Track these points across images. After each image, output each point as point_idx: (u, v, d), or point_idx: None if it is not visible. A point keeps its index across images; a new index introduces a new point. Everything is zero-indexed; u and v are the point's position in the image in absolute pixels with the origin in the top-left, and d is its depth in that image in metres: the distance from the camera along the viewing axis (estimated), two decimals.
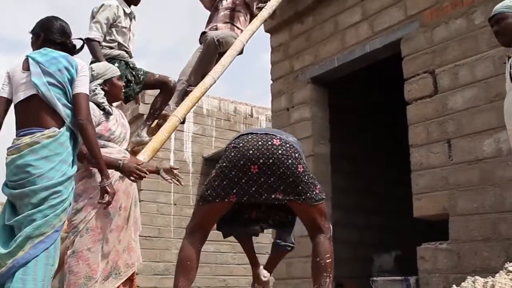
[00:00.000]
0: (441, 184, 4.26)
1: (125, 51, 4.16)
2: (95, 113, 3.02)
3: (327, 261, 2.51)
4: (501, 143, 3.88)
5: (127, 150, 3.33)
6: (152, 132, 4.30)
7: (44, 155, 2.54)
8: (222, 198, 2.53)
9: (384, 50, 5.09)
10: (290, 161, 2.51)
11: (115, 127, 3.16)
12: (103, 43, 4.04)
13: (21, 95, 2.67)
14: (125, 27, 4.16)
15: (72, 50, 2.91)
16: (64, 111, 2.66)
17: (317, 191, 2.56)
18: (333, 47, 5.59)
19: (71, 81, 2.71)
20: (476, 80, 4.14)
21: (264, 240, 7.44)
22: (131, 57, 4.21)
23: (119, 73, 3.36)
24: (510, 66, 2.95)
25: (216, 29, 5.06)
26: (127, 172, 3.05)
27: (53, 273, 2.54)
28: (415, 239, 4.59)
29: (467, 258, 3.98)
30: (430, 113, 4.44)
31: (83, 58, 2.95)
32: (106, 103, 3.16)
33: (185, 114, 4.28)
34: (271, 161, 2.49)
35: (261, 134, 2.59)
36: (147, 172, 3.13)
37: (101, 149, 2.87)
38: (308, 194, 2.52)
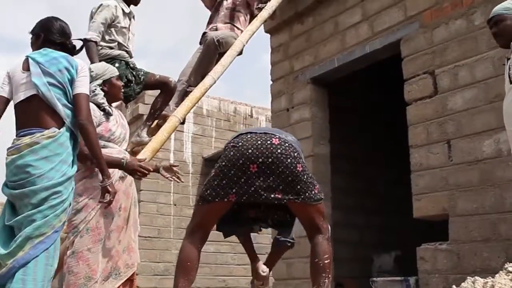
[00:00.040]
0: (441, 185, 4.26)
1: (125, 51, 4.15)
2: (96, 114, 3.02)
3: (326, 261, 2.51)
4: (501, 143, 3.88)
5: (126, 151, 3.34)
6: (152, 133, 4.30)
7: (44, 155, 2.54)
8: (222, 197, 2.53)
9: (384, 50, 5.09)
10: (289, 160, 2.51)
11: (115, 127, 3.17)
12: (103, 43, 4.04)
13: (21, 95, 2.67)
14: (125, 27, 4.16)
15: (72, 50, 2.91)
16: (64, 111, 2.66)
17: (316, 191, 2.56)
18: (333, 48, 5.60)
19: (72, 81, 2.71)
20: (476, 81, 4.14)
21: (264, 240, 7.44)
22: (131, 57, 4.21)
23: (117, 73, 3.36)
24: (509, 67, 2.95)
25: (216, 29, 5.06)
26: (130, 170, 3.08)
27: (53, 273, 2.54)
28: (415, 239, 4.59)
29: (467, 259, 3.98)
30: (430, 113, 4.44)
31: (82, 59, 2.96)
32: (106, 103, 3.16)
33: (185, 115, 4.28)
34: (270, 160, 2.50)
35: (260, 133, 2.60)
36: (150, 169, 3.17)
37: (102, 149, 2.87)
38: (307, 194, 2.52)
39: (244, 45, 4.96)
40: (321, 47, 5.75)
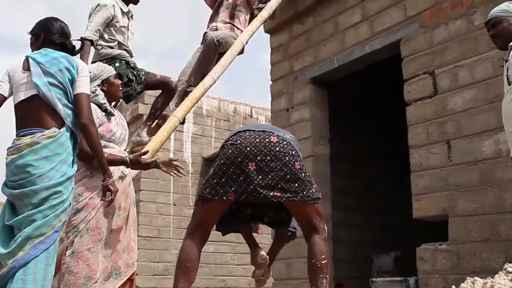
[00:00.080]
0: (440, 185, 4.27)
1: (126, 50, 4.15)
2: (98, 114, 3.03)
3: (323, 262, 2.51)
4: (501, 144, 3.88)
5: (125, 151, 3.34)
6: (152, 133, 4.30)
7: (44, 155, 2.54)
8: (221, 196, 2.53)
9: (383, 51, 5.09)
10: (287, 158, 2.52)
11: (116, 128, 3.18)
12: (103, 43, 4.04)
13: (21, 95, 2.67)
14: (124, 26, 4.16)
15: (71, 50, 2.91)
16: (64, 111, 2.66)
17: (314, 190, 2.56)
18: (333, 48, 5.60)
19: (72, 81, 2.71)
20: (476, 81, 4.15)
21: (264, 240, 7.44)
22: (131, 56, 4.21)
23: (114, 72, 3.38)
24: (508, 69, 2.96)
25: (216, 29, 5.07)
26: (135, 165, 3.13)
27: (52, 273, 2.54)
28: (414, 239, 4.59)
29: (466, 259, 3.98)
30: (430, 114, 4.44)
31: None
32: (108, 104, 3.17)
33: (184, 115, 4.28)
34: (268, 158, 2.50)
35: (259, 131, 2.60)
36: (156, 161, 3.24)
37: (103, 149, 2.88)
38: (305, 192, 2.52)
39: (244, 45, 4.96)
40: (321, 47, 5.75)
